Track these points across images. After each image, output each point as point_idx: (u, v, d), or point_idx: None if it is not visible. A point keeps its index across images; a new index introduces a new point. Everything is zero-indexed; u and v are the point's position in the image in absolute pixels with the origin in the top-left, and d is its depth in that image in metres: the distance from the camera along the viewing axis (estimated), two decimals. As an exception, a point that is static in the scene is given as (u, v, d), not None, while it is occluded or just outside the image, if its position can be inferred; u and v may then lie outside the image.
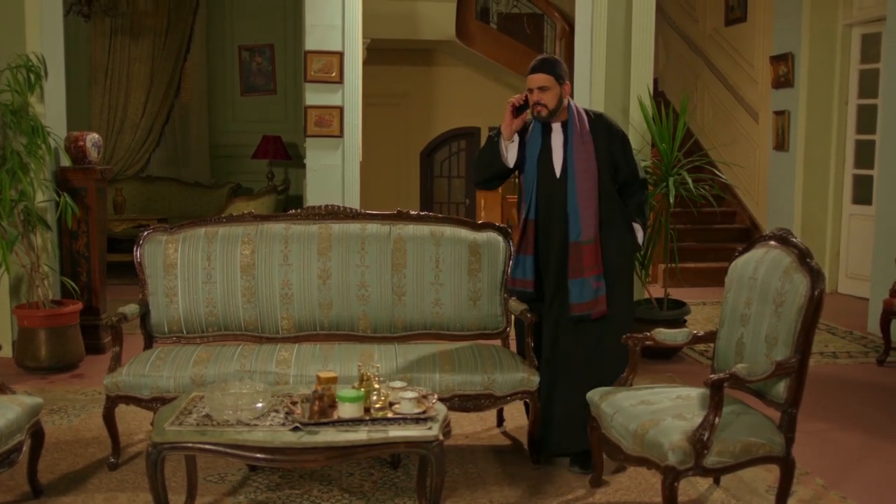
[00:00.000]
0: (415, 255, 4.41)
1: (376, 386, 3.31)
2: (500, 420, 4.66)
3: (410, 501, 3.67)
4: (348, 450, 3.12)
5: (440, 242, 4.43)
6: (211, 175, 10.96)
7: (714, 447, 3.10)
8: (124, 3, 10.19)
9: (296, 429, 3.15)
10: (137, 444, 4.29)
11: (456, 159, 14.08)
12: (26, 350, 5.63)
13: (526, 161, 4.08)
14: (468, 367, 4.03)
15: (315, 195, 7.44)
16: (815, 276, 3.21)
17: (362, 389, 3.27)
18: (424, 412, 3.26)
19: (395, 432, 3.17)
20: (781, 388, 3.28)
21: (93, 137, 6.17)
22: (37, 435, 3.64)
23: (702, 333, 3.81)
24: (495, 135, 4.14)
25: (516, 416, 4.68)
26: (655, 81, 8.61)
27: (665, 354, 6.12)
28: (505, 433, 4.55)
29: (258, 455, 3.12)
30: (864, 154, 8.57)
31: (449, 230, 4.48)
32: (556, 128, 4.05)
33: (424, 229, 4.48)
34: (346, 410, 3.22)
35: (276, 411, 3.31)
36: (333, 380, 3.38)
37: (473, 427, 4.61)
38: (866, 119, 8.52)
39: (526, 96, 4.01)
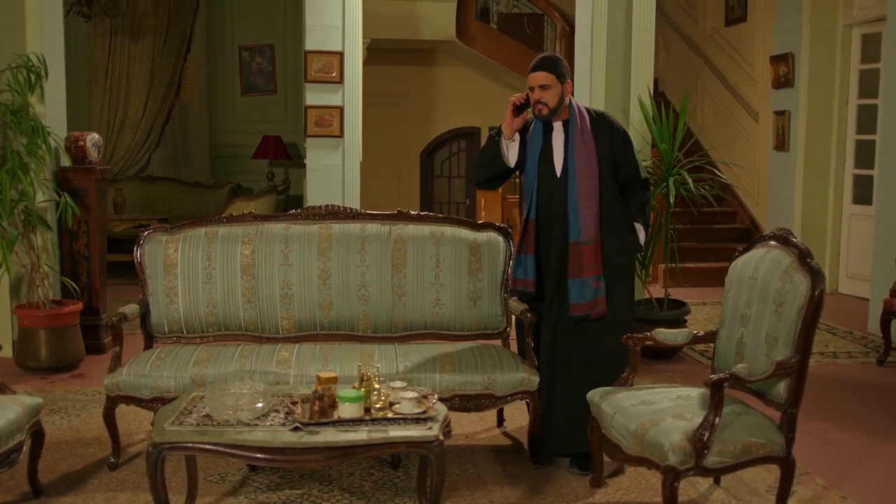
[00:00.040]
0: (415, 255, 4.41)
1: (376, 386, 3.31)
2: (501, 420, 4.66)
3: (411, 501, 3.67)
4: (348, 450, 3.12)
5: (440, 242, 4.43)
6: (211, 175, 10.96)
7: (714, 447, 3.10)
8: (124, 3, 10.19)
9: (296, 429, 3.15)
10: (138, 444, 4.29)
11: (456, 159, 14.08)
12: (26, 350, 5.63)
13: (527, 160, 4.07)
14: (468, 367, 4.03)
15: (315, 195, 7.44)
16: (816, 276, 3.21)
17: (362, 389, 3.27)
18: (425, 412, 3.26)
19: (396, 432, 3.17)
20: (782, 388, 3.28)
21: (93, 137, 6.17)
22: (37, 435, 3.64)
23: (702, 333, 3.81)
24: (496, 134, 4.12)
25: (516, 417, 4.68)
26: (655, 81, 8.60)
27: (665, 354, 6.12)
28: (505, 433, 4.55)
29: (258, 455, 3.12)
30: (865, 154, 8.57)
31: (449, 230, 4.48)
32: (558, 127, 4.04)
33: (425, 229, 4.48)
34: (346, 410, 3.22)
35: (277, 411, 3.31)
36: (333, 380, 3.38)
37: (473, 427, 4.61)
38: (866, 119, 8.52)
39: (527, 95, 3.99)
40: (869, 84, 8.47)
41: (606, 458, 3.67)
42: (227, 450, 3.11)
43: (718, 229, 10.20)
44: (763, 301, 3.39)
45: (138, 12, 10.35)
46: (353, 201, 7.50)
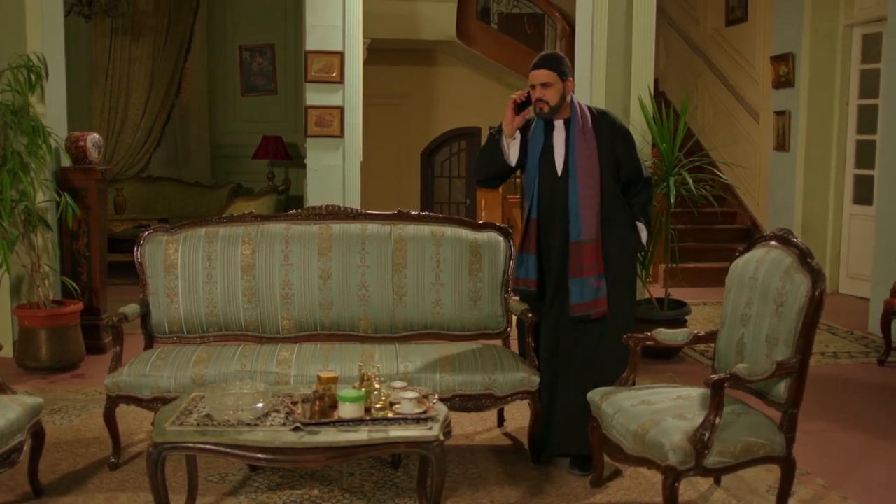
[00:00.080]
0: (415, 255, 4.41)
1: (377, 386, 3.31)
2: (501, 420, 4.66)
3: (411, 501, 3.67)
4: (349, 450, 3.12)
5: (441, 242, 4.43)
6: (211, 175, 10.96)
7: (715, 447, 3.10)
8: (125, 3, 10.19)
9: (296, 429, 3.15)
10: (138, 444, 4.29)
11: (456, 159, 14.08)
12: (27, 350, 5.63)
13: (528, 159, 4.05)
14: (469, 367, 4.02)
15: (315, 195, 7.44)
16: (816, 276, 3.21)
17: (363, 389, 3.27)
18: (425, 412, 3.26)
19: (396, 432, 3.17)
20: (782, 389, 3.28)
21: (93, 137, 6.18)
22: (37, 435, 3.64)
23: (702, 333, 3.81)
24: (496, 132, 4.10)
25: (517, 417, 4.68)
26: (656, 81, 8.60)
27: (666, 354, 6.12)
28: (505, 433, 4.55)
29: (259, 455, 3.12)
30: (865, 154, 8.57)
31: (449, 230, 4.48)
32: (559, 125, 4.02)
33: (425, 229, 4.48)
34: (346, 410, 3.22)
35: (277, 411, 3.31)
36: (334, 380, 3.38)
37: (474, 427, 4.61)
38: (867, 119, 8.52)
39: (528, 93, 3.97)
40: (869, 84, 8.47)
41: (607, 459, 3.67)
42: (228, 450, 3.11)
43: (719, 229, 10.20)
44: (763, 301, 3.39)
45: (139, 12, 10.35)
46: (354, 201, 7.50)
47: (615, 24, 6.40)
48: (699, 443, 3.07)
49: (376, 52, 11.34)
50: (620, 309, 4.00)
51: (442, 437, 3.19)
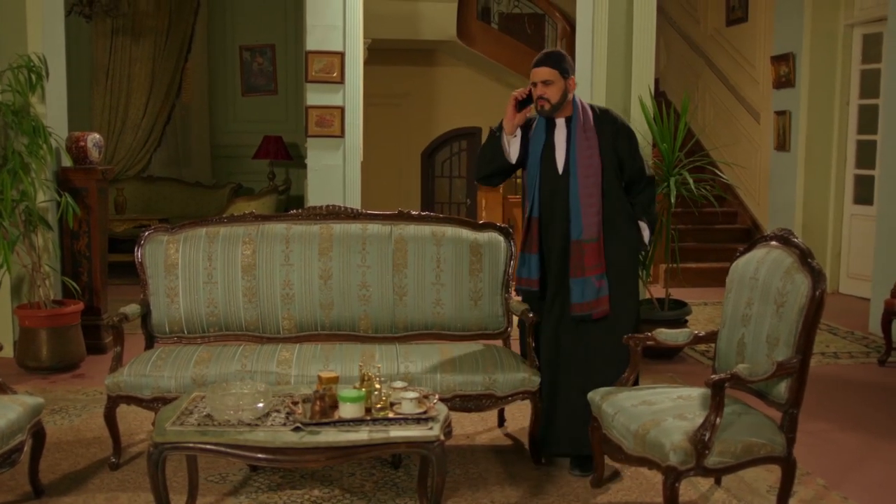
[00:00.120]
0: (416, 255, 4.41)
1: (377, 386, 3.31)
2: (502, 420, 4.66)
3: (411, 501, 3.67)
4: (349, 450, 3.12)
5: (441, 242, 4.43)
6: (212, 175, 10.96)
7: (715, 447, 3.10)
8: (125, 3, 10.20)
9: (297, 429, 3.15)
10: (138, 444, 4.29)
11: (457, 159, 14.08)
12: (27, 350, 5.63)
13: (529, 157, 4.04)
14: (469, 367, 4.02)
15: (316, 195, 7.44)
16: (817, 276, 3.21)
17: (363, 389, 3.27)
18: (425, 412, 3.26)
19: (397, 432, 3.17)
20: (783, 389, 3.28)
21: (94, 138, 6.18)
22: (38, 435, 3.64)
23: (703, 333, 3.81)
24: (497, 129, 4.08)
25: (517, 417, 4.68)
26: (656, 82, 8.60)
27: (666, 354, 6.12)
28: (506, 433, 4.55)
29: (259, 455, 3.12)
30: (866, 154, 8.57)
31: (450, 230, 4.48)
32: (560, 123, 4.00)
33: (425, 229, 4.48)
34: (347, 410, 3.22)
35: (278, 411, 3.31)
36: (334, 380, 3.38)
37: (474, 427, 4.61)
38: (867, 119, 8.52)
39: (530, 90, 3.95)
40: (870, 84, 8.47)
41: (607, 459, 3.67)
42: (228, 450, 3.11)
43: (719, 229, 10.20)
44: (764, 301, 3.39)
45: (139, 13, 10.36)
46: (354, 201, 7.51)
47: (616, 24, 6.40)
48: (700, 443, 3.07)
49: (377, 52, 11.34)
50: (622, 309, 3.97)
51: (442, 438, 3.19)
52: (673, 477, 3.09)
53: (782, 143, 9.11)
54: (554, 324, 4.03)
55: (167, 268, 4.35)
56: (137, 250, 4.39)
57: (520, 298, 4.27)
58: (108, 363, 4.23)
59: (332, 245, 4.40)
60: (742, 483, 3.87)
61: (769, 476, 3.89)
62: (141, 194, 10.39)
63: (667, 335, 3.83)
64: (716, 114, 10.99)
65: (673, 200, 6.03)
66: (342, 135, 7.52)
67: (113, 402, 3.96)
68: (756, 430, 3.23)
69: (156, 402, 3.90)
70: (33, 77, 5.73)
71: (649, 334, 3.78)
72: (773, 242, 3.52)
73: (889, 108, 7.09)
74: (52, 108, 6.03)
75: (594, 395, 3.65)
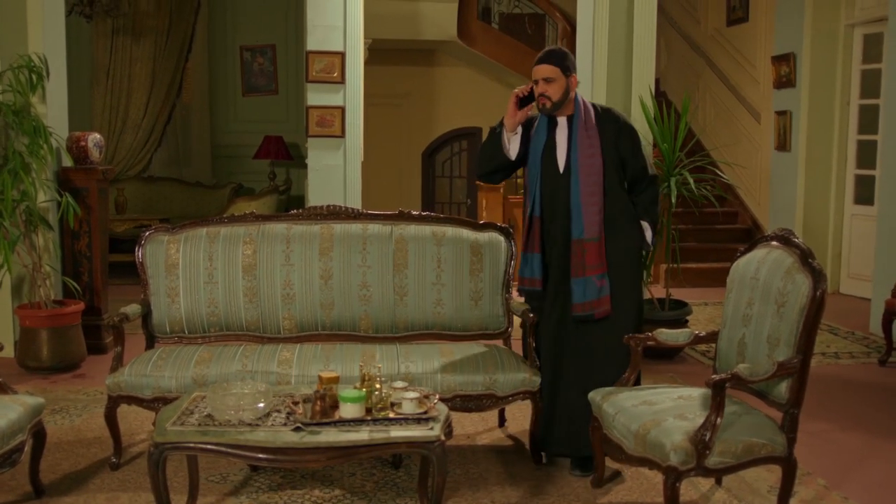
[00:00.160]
0: (416, 255, 4.41)
1: (378, 386, 3.31)
2: (502, 420, 4.66)
3: (412, 501, 3.67)
4: (350, 450, 3.12)
5: (442, 242, 4.43)
6: (212, 175, 10.97)
7: (716, 447, 3.10)
8: (126, 3, 10.20)
9: (297, 429, 3.15)
10: (139, 445, 4.30)
11: (457, 159, 14.08)
12: (28, 350, 5.63)
13: (529, 155, 4.02)
14: (470, 367, 4.02)
15: (316, 195, 7.45)
16: (817, 276, 3.21)
17: (364, 389, 3.27)
18: (426, 412, 3.26)
19: (397, 432, 3.17)
20: (783, 389, 3.28)
21: (94, 137, 6.18)
22: (38, 435, 3.64)
23: (703, 334, 3.81)
24: (498, 126, 4.07)
25: (518, 417, 4.68)
26: (657, 82, 8.61)
27: (667, 354, 6.12)
28: (507, 433, 4.55)
29: (260, 455, 3.12)
30: (866, 154, 8.57)
31: (450, 230, 4.48)
32: (562, 122, 3.98)
33: (426, 229, 4.47)
34: (347, 410, 3.22)
35: (278, 411, 3.31)
36: (335, 380, 3.38)
37: (475, 427, 4.61)
38: (868, 119, 8.52)
39: (531, 87, 3.94)
40: (870, 84, 8.47)
41: (608, 459, 3.67)
42: (229, 450, 3.11)
43: (720, 229, 10.20)
44: (765, 301, 3.38)
45: (140, 13, 10.36)
46: (355, 201, 7.51)
47: (616, 24, 6.40)
48: (700, 443, 3.07)
49: (377, 53, 11.35)
50: (623, 309, 3.95)
51: (443, 438, 3.19)
52: (673, 477, 3.09)
53: (783, 143, 9.11)
54: (555, 323, 4.02)
55: (168, 268, 4.35)
56: (138, 250, 4.39)
57: (522, 299, 4.26)
58: (108, 363, 4.23)
59: (332, 245, 4.40)
60: (743, 483, 3.87)
61: (770, 476, 3.89)
62: (141, 194, 10.40)
63: (667, 335, 3.83)
64: (716, 114, 10.99)
65: (674, 200, 6.03)
66: (343, 135, 7.52)
67: (113, 402, 3.96)
68: (757, 431, 3.22)
69: (156, 402, 3.90)
70: (34, 77, 5.73)
71: (650, 334, 3.77)
72: (774, 242, 3.52)
73: (890, 108, 7.08)
74: (53, 108, 6.04)
75: (595, 395, 3.65)
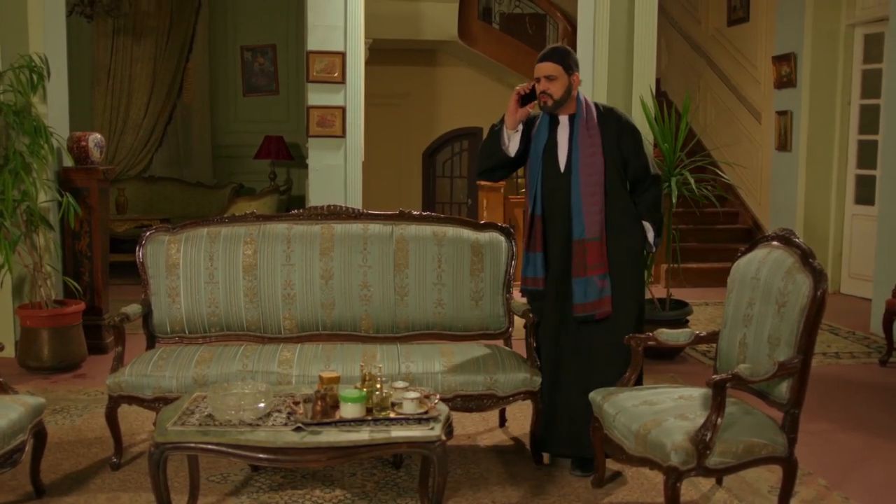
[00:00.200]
0: (417, 255, 4.41)
1: (378, 386, 3.31)
2: (503, 420, 4.66)
3: (413, 501, 3.67)
4: (350, 450, 3.12)
5: (442, 242, 4.43)
6: (213, 175, 10.97)
7: (716, 447, 3.10)
8: (127, 3, 10.20)
9: (298, 429, 3.15)
10: (140, 445, 4.30)
11: (458, 159, 14.08)
12: (29, 350, 5.64)
13: (531, 154, 4.00)
14: (470, 367, 4.02)
15: (317, 195, 7.45)
16: (818, 276, 3.21)
17: (364, 389, 3.27)
18: (426, 412, 3.26)
19: (398, 432, 3.17)
20: (784, 389, 3.28)
21: (95, 138, 6.18)
22: (39, 435, 3.64)
23: (704, 334, 3.81)
24: (498, 123, 4.05)
25: (519, 417, 4.68)
26: (658, 82, 8.62)
27: (667, 354, 6.12)
28: (507, 433, 4.55)
29: (260, 455, 3.12)
30: (867, 154, 8.56)
31: (451, 230, 4.48)
32: (563, 121, 3.96)
33: (427, 229, 4.47)
34: (348, 410, 3.22)
35: (279, 411, 3.31)
36: (336, 380, 3.38)
37: (476, 427, 4.61)
38: (869, 119, 8.52)
39: (533, 85, 3.92)
40: (871, 84, 8.46)
41: (609, 459, 3.67)
42: (230, 450, 3.11)
43: (721, 229, 10.20)
44: (765, 301, 3.38)
45: (140, 13, 10.37)
46: (355, 201, 7.51)
47: (617, 24, 6.40)
48: (701, 443, 3.07)
49: (378, 53, 11.35)
50: (624, 309, 3.93)
51: (444, 438, 3.19)
52: (674, 477, 3.09)
53: (783, 143, 9.11)
54: (555, 324, 4.01)
55: (168, 268, 4.35)
56: (139, 250, 4.40)
57: (524, 299, 4.24)
58: (109, 363, 4.23)
59: (333, 245, 4.40)
60: (743, 483, 3.87)
61: (770, 476, 3.89)
62: (142, 194, 10.40)
63: (668, 335, 3.83)
64: (717, 114, 10.99)
65: (674, 200, 6.03)
66: (343, 135, 7.53)
67: (114, 402, 3.96)
68: (757, 431, 3.22)
69: (157, 402, 3.90)
70: (35, 77, 5.73)
71: (650, 334, 3.77)
72: (775, 242, 3.51)
73: (890, 108, 7.08)
74: (54, 108, 6.04)
75: (595, 395, 3.64)
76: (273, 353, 4.12)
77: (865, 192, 8.57)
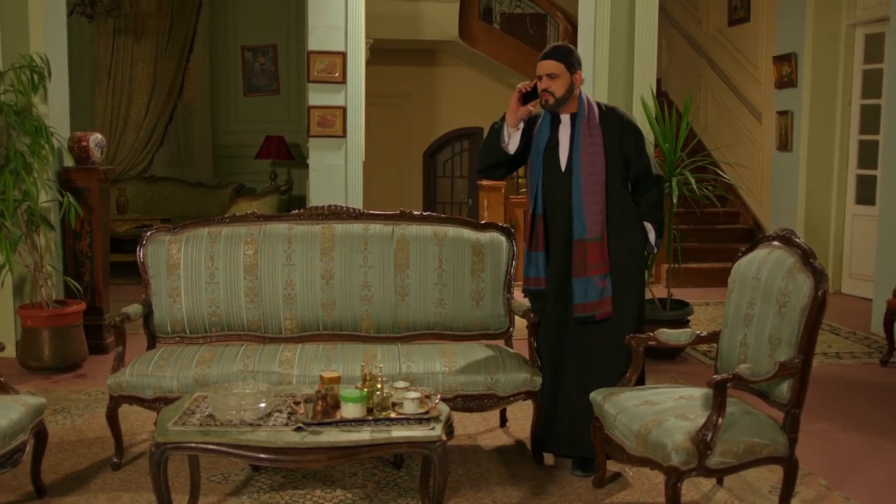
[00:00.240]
0: (418, 255, 4.41)
1: (379, 386, 3.31)
2: (503, 420, 4.66)
3: (413, 502, 3.67)
4: (351, 450, 3.12)
5: (443, 242, 4.43)
6: (214, 175, 10.97)
7: (717, 448, 3.10)
8: (127, 3, 10.21)
9: (299, 429, 3.15)
10: (141, 445, 4.30)
11: (459, 159, 14.08)
12: (30, 350, 5.64)
13: (532, 153, 3.99)
14: (471, 367, 4.02)
15: (318, 195, 7.45)
16: (819, 276, 3.20)
17: (365, 389, 3.27)
18: (427, 412, 3.26)
19: (398, 432, 3.17)
20: (785, 389, 3.28)
21: (96, 138, 6.18)
22: (40, 435, 3.64)
23: (705, 334, 3.81)
24: (499, 121, 4.04)
25: (519, 417, 4.68)
26: (658, 82, 8.62)
27: (668, 354, 6.12)
28: (508, 433, 4.55)
29: (261, 455, 3.12)
30: (868, 154, 8.56)
31: (452, 230, 4.48)
32: (565, 119, 3.95)
33: (427, 229, 4.47)
34: (349, 410, 3.22)
35: (280, 411, 3.31)
36: (336, 380, 3.38)
37: (476, 427, 4.61)
38: (870, 119, 8.51)
39: (535, 83, 3.90)
40: (872, 84, 8.46)
41: (609, 459, 3.67)
42: (230, 450, 3.11)
43: (721, 229, 10.20)
44: (766, 301, 3.38)
45: (141, 13, 10.37)
46: (356, 201, 7.51)
47: (618, 24, 6.40)
48: (702, 443, 3.07)
49: (379, 53, 11.35)
50: (625, 309, 3.92)
51: (444, 438, 3.19)
52: (675, 477, 3.09)
53: (784, 143, 9.11)
54: (556, 323, 4.01)
55: (169, 268, 4.35)
56: (139, 250, 4.40)
57: (526, 299, 4.23)
58: (110, 363, 4.23)
59: (333, 245, 4.40)
60: (744, 483, 3.87)
61: (771, 476, 3.89)
62: (143, 194, 10.40)
63: (669, 335, 3.82)
64: (718, 114, 10.99)
65: (675, 200, 6.03)
66: (344, 135, 7.53)
67: (115, 402, 3.96)
68: (758, 431, 3.22)
69: (158, 402, 3.91)
70: (35, 77, 5.73)
71: (651, 334, 3.77)
72: (775, 242, 3.51)
73: (891, 108, 7.08)
74: (55, 108, 6.04)
75: (596, 395, 3.64)
76: (274, 353, 4.12)
77: (866, 192, 8.56)
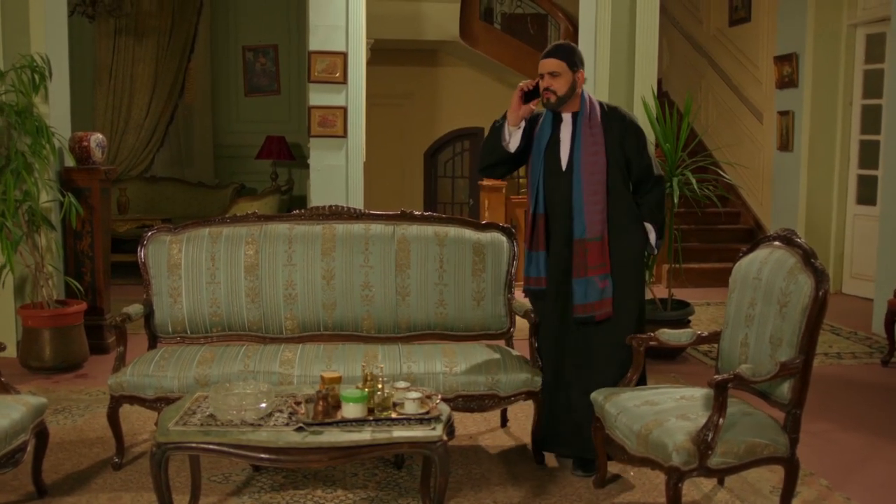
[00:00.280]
0: (418, 255, 4.41)
1: (380, 386, 3.31)
2: (504, 420, 4.66)
3: (414, 502, 3.67)
4: (352, 450, 3.12)
5: (444, 243, 4.43)
6: (215, 175, 10.98)
7: (718, 448, 3.10)
8: (128, 3, 10.21)
9: (300, 429, 3.15)
10: (141, 444, 4.30)
11: (460, 160, 14.08)
12: (31, 350, 5.64)
13: (533, 152, 3.98)
14: (472, 367, 4.02)
15: (319, 195, 7.45)
16: (820, 276, 3.20)
17: (366, 390, 3.27)
18: (428, 412, 3.26)
19: (399, 433, 3.17)
20: (786, 389, 3.27)
21: (97, 138, 6.18)
22: (41, 435, 3.65)
23: (706, 334, 3.81)
24: (500, 119, 4.03)
25: (520, 417, 4.68)
26: (659, 82, 8.62)
27: (669, 355, 6.12)
28: (509, 434, 4.55)
29: (262, 455, 3.12)
30: (869, 154, 8.56)
31: (453, 230, 4.48)
32: (567, 118, 3.94)
33: (428, 230, 4.47)
34: (349, 411, 3.22)
35: (280, 411, 3.31)
36: (337, 380, 3.38)
37: (477, 427, 4.61)
38: (871, 119, 8.51)
39: (537, 82, 3.89)
40: (873, 84, 8.46)
41: (610, 459, 3.67)
42: (231, 450, 3.11)
43: (722, 230, 10.20)
44: (767, 301, 3.38)
45: (142, 13, 10.37)
46: (357, 202, 7.51)
47: (619, 25, 6.40)
48: (703, 443, 3.07)
49: (379, 53, 11.34)
50: (625, 309, 3.91)
51: (445, 438, 3.19)
52: (676, 477, 3.09)
53: (785, 144, 9.10)
54: (556, 324, 4.01)
55: (170, 268, 4.35)
56: (140, 250, 4.40)
57: (526, 300, 4.23)
58: (111, 363, 4.23)
59: (334, 245, 4.40)
60: (745, 483, 3.87)
61: (772, 476, 3.89)
62: (144, 194, 10.41)
63: (670, 335, 3.82)
64: (719, 114, 10.98)
65: (676, 200, 6.03)
66: (345, 135, 7.52)
67: (116, 402, 3.97)
68: (759, 431, 3.22)
69: (159, 402, 3.91)
70: (36, 77, 5.73)
71: (652, 334, 3.77)
72: (777, 243, 3.51)
73: (892, 108, 7.08)
74: (56, 109, 6.04)
75: (597, 396, 3.64)
76: (275, 353, 4.12)
77: (867, 193, 8.56)
